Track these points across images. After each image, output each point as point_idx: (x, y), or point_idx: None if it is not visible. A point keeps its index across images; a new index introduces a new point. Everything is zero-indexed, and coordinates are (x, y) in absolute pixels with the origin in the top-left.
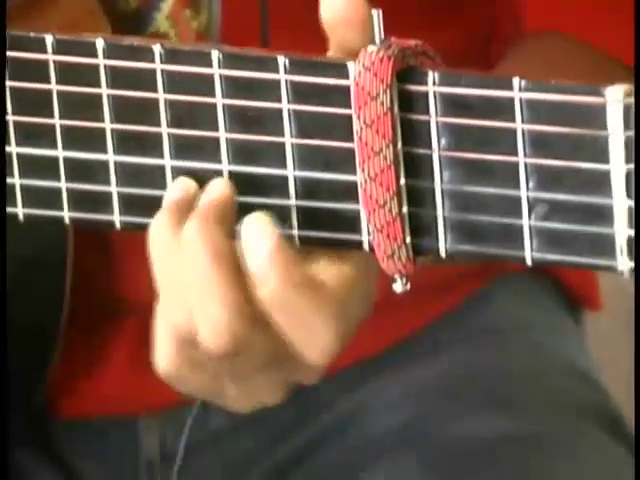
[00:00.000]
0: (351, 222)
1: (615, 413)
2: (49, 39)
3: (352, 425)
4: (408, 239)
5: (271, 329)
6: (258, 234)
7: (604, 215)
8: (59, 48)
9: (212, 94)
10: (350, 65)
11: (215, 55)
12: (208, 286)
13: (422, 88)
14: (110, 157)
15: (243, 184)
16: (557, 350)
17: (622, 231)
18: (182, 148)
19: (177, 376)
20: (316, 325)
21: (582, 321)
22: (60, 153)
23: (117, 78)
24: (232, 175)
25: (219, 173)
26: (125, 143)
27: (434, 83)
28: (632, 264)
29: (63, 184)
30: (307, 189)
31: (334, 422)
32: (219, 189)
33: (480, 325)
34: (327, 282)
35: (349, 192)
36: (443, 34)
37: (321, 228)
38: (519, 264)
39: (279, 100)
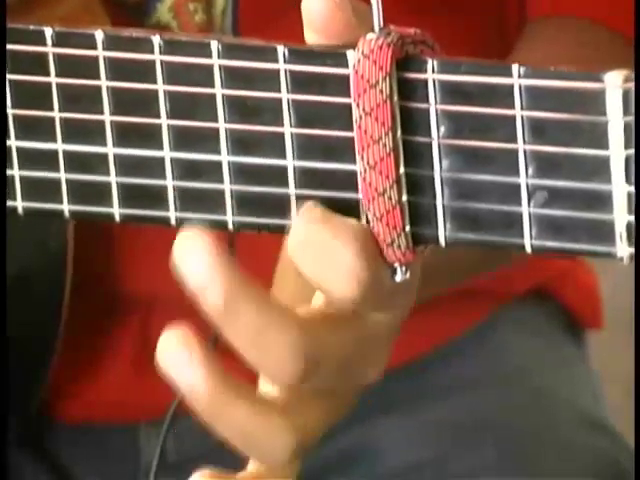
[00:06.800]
0: (351, 211)
1: (625, 464)
2: (48, 31)
3: (354, 463)
4: (408, 227)
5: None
6: None
7: (603, 201)
8: (58, 40)
9: (211, 84)
10: (349, 53)
11: (214, 45)
12: (266, 341)
13: (421, 76)
14: (109, 149)
15: (243, 174)
16: (566, 396)
17: (621, 217)
18: (181, 139)
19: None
20: (338, 256)
21: (585, 342)
22: (60, 146)
23: (116, 70)
24: (231, 165)
25: (218, 164)
26: (125, 135)
27: (433, 71)
28: (631, 250)
29: (63, 176)
30: (307, 178)
31: (336, 457)
32: None
33: (483, 365)
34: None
35: (349, 181)
36: (459, 19)
37: None
38: (519, 284)
39: (278, 90)
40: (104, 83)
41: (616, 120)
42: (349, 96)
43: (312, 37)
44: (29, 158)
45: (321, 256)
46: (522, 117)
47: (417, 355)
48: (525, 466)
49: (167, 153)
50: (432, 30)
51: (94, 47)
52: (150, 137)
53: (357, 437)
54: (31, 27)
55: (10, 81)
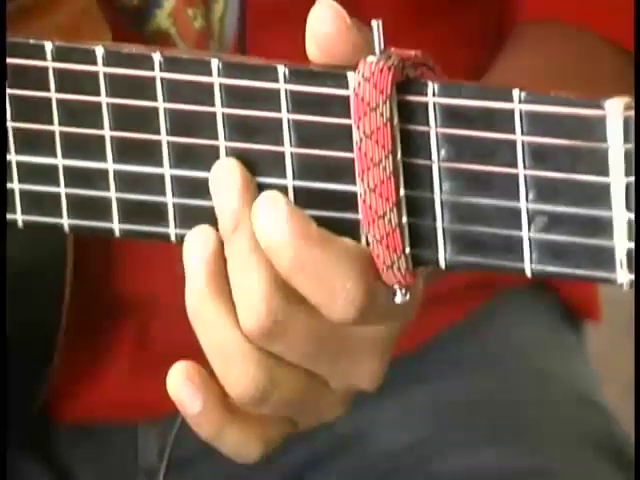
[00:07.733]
0: (351, 232)
1: (621, 439)
2: (49, 46)
3: (352, 446)
4: (408, 250)
5: (312, 314)
6: (271, 203)
7: (604, 228)
8: (58, 55)
9: (211, 103)
10: (350, 75)
11: (215, 64)
12: (245, 273)
13: (422, 99)
14: (109, 165)
15: None
16: (563, 377)
17: (622, 244)
18: (181, 156)
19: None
20: (335, 280)
21: (583, 333)
22: (60, 161)
23: (116, 86)
24: None
25: None
26: (124, 151)
27: (434, 94)
28: (632, 277)
29: (62, 191)
30: (307, 198)
31: (334, 441)
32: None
33: (481, 348)
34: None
35: (349, 202)
36: (458, 18)
37: None
38: (519, 276)
39: (279, 109)
40: (104, 99)
41: (617, 147)
42: (349, 117)
43: (315, 53)
44: (29, 172)
45: (318, 279)
46: (522, 142)
47: (417, 343)
48: (524, 436)
49: (167, 170)
50: (431, 30)
51: (94, 63)
52: (150, 154)
53: (354, 421)
54: (31, 41)
55: (10, 95)
